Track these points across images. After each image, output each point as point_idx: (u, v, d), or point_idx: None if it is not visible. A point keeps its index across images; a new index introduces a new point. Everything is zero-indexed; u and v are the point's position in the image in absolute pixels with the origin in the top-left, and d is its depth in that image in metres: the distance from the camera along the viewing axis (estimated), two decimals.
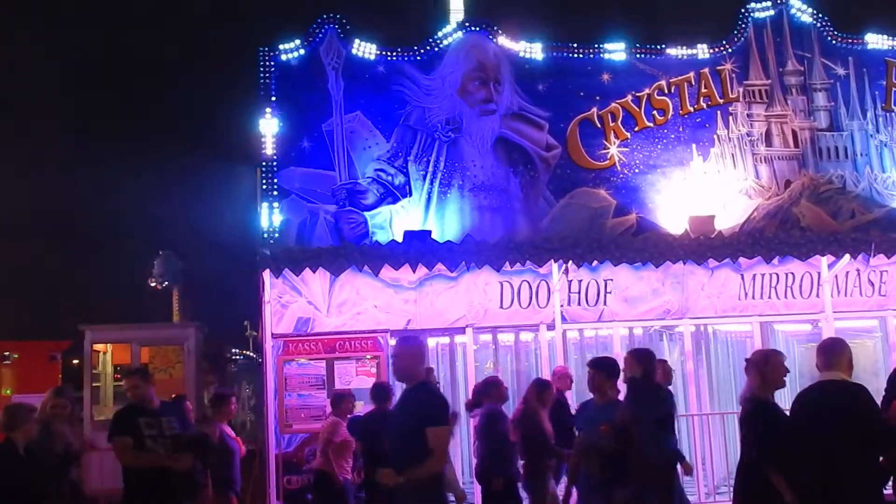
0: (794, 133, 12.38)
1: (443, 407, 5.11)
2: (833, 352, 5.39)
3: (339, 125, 11.48)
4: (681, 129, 12.20)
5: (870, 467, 5.12)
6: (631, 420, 6.22)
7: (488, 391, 8.10)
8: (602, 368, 6.47)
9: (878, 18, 13.61)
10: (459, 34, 11.95)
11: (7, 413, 6.37)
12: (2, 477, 5.99)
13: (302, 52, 11.61)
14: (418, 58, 11.83)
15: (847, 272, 11.14)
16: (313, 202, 11.28)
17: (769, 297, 11.10)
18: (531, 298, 10.62)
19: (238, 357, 27.23)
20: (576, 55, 12.18)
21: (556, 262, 10.27)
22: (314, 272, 9.94)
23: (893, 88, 12.72)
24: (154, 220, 59.17)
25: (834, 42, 12.73)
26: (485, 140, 11.74)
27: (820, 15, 12.73)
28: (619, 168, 11.97)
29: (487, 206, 11.56)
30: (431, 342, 11.18)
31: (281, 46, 11.51)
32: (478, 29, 11.99)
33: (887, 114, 12.67)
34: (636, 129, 12.12)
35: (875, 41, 12.84)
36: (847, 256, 10.76)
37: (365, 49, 11.71)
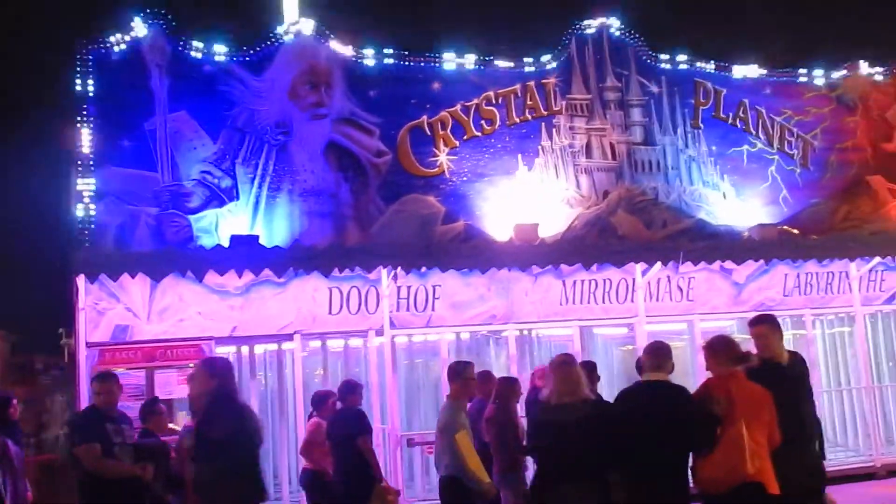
0: (612, 146, 13.00)
1: None
2: (660, 354, 5.56)
3: (163, 125, 11.06)
4: (507, 139, 12.56)
5: (684, 465, 5.33)
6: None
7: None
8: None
9: (688, 41, 14.57)
10: (291, 37, 11.81)
11: None
12: None
13: (123, 46, 11.12)
14: (248, 59, 11.58)
15: (659, 279, 11.80)
16: (134, 204, 10.80)
17: (588, 303, 11.58)
18: (360, 304, 10.61)
19: (53, 367, 25.69)
20: (407, 63, 12.31)
21: (385, 268, 10.31)
22: (133, 277, 9.48)
23: (701, 107, 13.60)
24: None
25: (649, 61, 13.46)
26: (315, 144, 11.64)
27: (637, 35, 13.44)
28: (448, 175, 12.18)
29: (317, 212, 11.46)
30: (259, 349, 10.96)
31: (101, 39, 10.96)
32: (310, 32, 11.88)
33: (695, 131, 13.52)
34: (465, 137, 12.37)
35: (685, 62, 13.68)
36: (659, 264, 11.37)
37: (192, 47, 11.35)
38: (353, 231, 11.49)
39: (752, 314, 12.02)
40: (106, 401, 6.33)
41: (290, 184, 11.42)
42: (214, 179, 11.14)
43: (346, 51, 12.03)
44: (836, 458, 12.51)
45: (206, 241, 10.67)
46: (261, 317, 10.18)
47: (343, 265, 10.07)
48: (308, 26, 11.86)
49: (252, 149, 11.39)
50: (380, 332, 10.64)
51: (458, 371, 7.06)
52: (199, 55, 11.40)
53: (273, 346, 11.01)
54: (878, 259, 12.59)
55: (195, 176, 11.08)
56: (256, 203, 11.24)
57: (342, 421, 7.89)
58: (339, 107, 11.85)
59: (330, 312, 10.47)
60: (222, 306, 10.01)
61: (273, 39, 11.71)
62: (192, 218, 10.94)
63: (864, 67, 14.73)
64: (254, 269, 9.83)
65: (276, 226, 11.23)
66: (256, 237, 10.51)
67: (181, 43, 11.31)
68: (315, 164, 11.59)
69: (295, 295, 10.31)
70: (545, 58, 12.95)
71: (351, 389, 8.06)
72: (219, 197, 11.13)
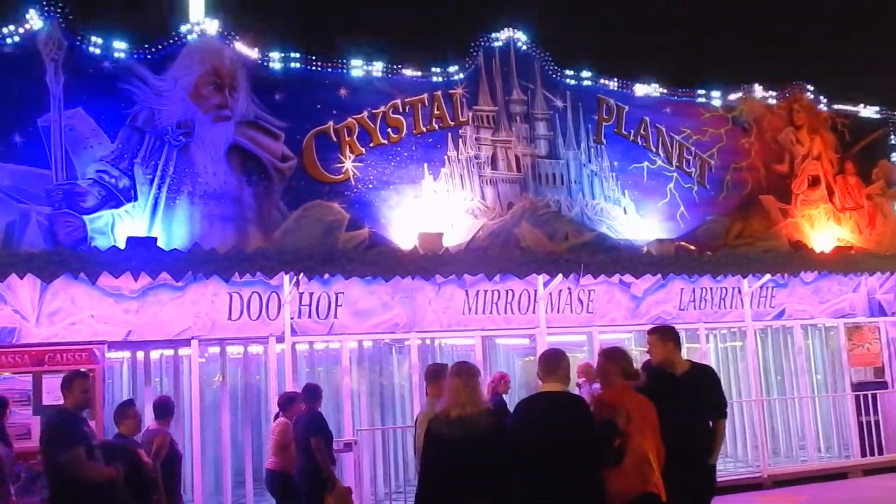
0: (517, 158, 13.15)
1: None
2: (550, 360, 5.49)
3: (58, 121, 10.65)
4: (414, 148, 12.56)
5: (588, 476, 5.19)
6: None
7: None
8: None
9: (593, 58, 14.88)
10: (195, 36, 11.53)
11: None
12: None
13: (17, 39, 10.69)
14: (150, 57, 11.26)
15: (560, 290, 11.98)
16: (24, 202, 10.36)
17: (491, 313, 11.68)
18: (261, 310, 10.44)
19: None
20: (314, 68, 12.17)
21: (287, 274, 10.17)
22: (21, 278, 9.10)
23: (604, 123, 13.90)
24: None
25: (554, 76, 13.69)
26: (218, 147, 11.39)
27: (543, 50, 13.64)
28: (353, 182, 12.09)
29: (218, 215, 11.20)
30: (155, 354, 10.66)
31: None
32: (214, 33, 11.64)
33: (598, 146, 13.80)
34: (371, 145, 12.31)
35: (589, 78, 13.96)
36: (560, 276, 11.55)
37: (91, 43, 10.96)
38: (256, 236, 11.28)
39: (650, 327, 12.41)
40: (83, 401, 6.28)
41: (191, 186, 11.14)
42: (111, 179, 10.77)
43: (252, 53, 11.83)
44: (725, 469, 12.91)
45: (102, 243, 10.31)
46: (157, 321, 9.91)
47: (244, 270, 9.89)
48: (213, 26, 11.61)
49: (152, 149, 11.07)
50: (281, 339, 10.48)
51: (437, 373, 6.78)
52: (98, 51, 11.03)
53: (169, 352, 10.73)
54: (768, 276, 13.10)
55: (91, 175, 10.70)
56: (155, 205, 10.93)
57: (304, 424, 8.32)
58: (243, 109, 11.63)
59: (230, 318, 10.27)
60: (117, 310, 9.70)
61: (176, 38, 11.41)
62: (86, 218, 10.55)
63: (758, 91, 15.31)
64: (151, 272, 9.56)
65: (175, 228, 10.93)
66: (154, 239, 10.21)
67: (79, 38, 10.92)
68: (217, 166, 11.35)
69: (193, 299, 10.07)
70: (453, 68, 13.02)
71: (311, 393, 8.54)
72: (115, 197, 10.77)
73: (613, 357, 5.68)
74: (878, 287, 14.58)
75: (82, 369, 7.75)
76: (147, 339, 10.00)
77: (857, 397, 13.96)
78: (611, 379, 5.63)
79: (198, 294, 10.11)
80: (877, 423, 13.93)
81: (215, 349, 10.91)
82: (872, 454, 13.76)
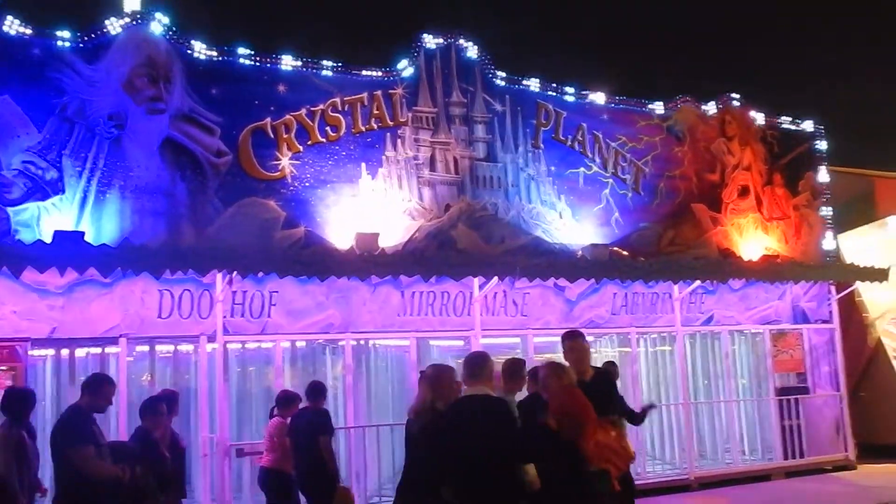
0: (456, 160, 13.16)
1: None
2: (475, 365, 5.55)
3: None
4: (352, 147, 12.45)
5: (509, 477, 5.30)
6: None
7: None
8: None
9: (533, 63, 14.98)
10: (130, 26, 11.23)
11: None
12: None
13: None
14: (82, 45, 10.89)
15: (495, 293, 12.05)
16: None
17: (426, 314, 11.69)
18: (193, 308, 10.26)
19: None
20: (253, 63, 11.95)
21: (221, 272, 10.00)
22: None
23: (542, 128, 13.99)
24: None
25: (494, 80, 13.72)
26: (151, 140, 11.11)
27: (484, 53, 13.67)
28: (290, 180, 11.93)
29: (150, 210, 10.91)
30: (80, 352, 10.37)
31: None
32: (151, 23, 11.34)
33: (536, 150, 13.89)
34: (309, 142, 12.17)
35: (529, 83, 14.04)
36: (496, 278, 11.61)
37: (19, 28, 10.57)
38: (188, 232, 11.04)
39: (583, 331, 12.55)
40: (99, 405, 6.40)
41: (122, 179, 10.84)
42: (38, 171, 10.41)
43: (189, 45, 11.57)
44: (654, 471, 13.16)
45: (26, 236, 9.97)
46: (84, 318, 9.68)
47: (176, 267, 9.69)
48: (149, 17, 11.32)
49: (82, 140, 10.73)
50: (212, 338, 10.32)
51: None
52: (26, 37, 10.66)
53: (96, 350, 10.44)
54: (698, 282, 13.37)
55: (17, 166, 10.30)
56: (84, 198, 10.61)
57: (307, 421, 8.37)
58: (178, 103, 11.36)
59: (160, 316, 10.07)
60: (41, 306, 9.44)
61: (110, 27, 11.09)
62: (10, 210, 10.17)
63: (692, 101, 15.60)
64: (78, 267, 9.31)
65: (104, 223, 10.62)
66: (82, 234, 9.94)
67: (6, 23, 10.54)
68: (150, 160, 11.06)
69: (122, 296, 9.86)
70: (393, 68, 12.95)
71: (315, 391, 8.66)
72: (42, 189, 10.41)
73: (557, 371, 5.88)
74: (803, 295, 15.03)
75: (105, 373, 7.69)
76: (73, 337, 9.75)
77: (781, 402, 14.37)
78: (557, 381, 5.82)
79: (127, 291, 9.90)
80: (798, 426, 14.37)
81: (144, 348, 10.69)
82: (794, 457, 14.19)
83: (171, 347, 10.93)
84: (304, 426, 8.41)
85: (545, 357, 12.96)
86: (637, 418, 9.20)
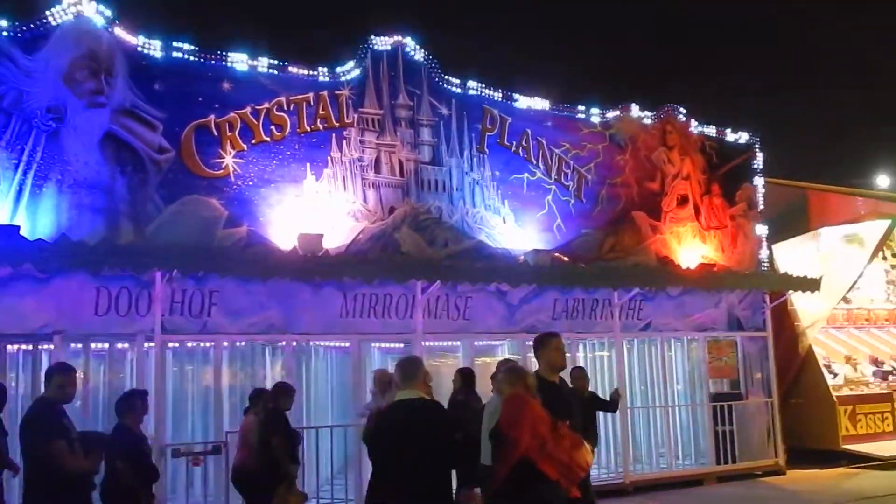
0: (401, 163, 13.16)
1: None
2: (408, 369, 5.59)
3: None
4: (297, 147, 12.37)
5: (442, 480, 5.38)
6: None
7: None
8: None
9: (479, 68, 15.06)
10: (70, 17, 10.99)
11: None
12: None
13: None
14: (20, 35, 10.62)
15: (438, 296, 12.08)
16: None
17: (368, 316, 11.65)
18: (130, 306, 10.09)
19: None
20: (198, 59, 11.79)
21: (160, 270, 9.85)
22: None
23: (487, 133, 14.07)
24: None
25: (440, 83, 13.76)
26: (91, 134, 10.89)
27: (431, 57, 13.71)
28: (233, 179, 11.80)
29: (89, 205, 10.70)
30: (12, 349, 10.11)
31: None
32: (92, 15, 11.11)
33: (480, 155, 13.96)
34: (253, 141, 12.06)
35: (475, 88, 14.12)
36: (438, 282, 11.64)
37: None
38: (128, 229, 10.84)
39: (523, 335, 12.68)
40: (66, 395, 6.26)
41: (60, 173, 10.61)
42: None
43: (132, 39, 11.36)
44: (590, 475, 13.29)
45: None
46: (16, 314, 9.46)
47: (114, 264, 9.53)
48: (91, 8, 11.07)
49: (18, 133, 10.47)
50: (150, 337, 10.15)
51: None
52: None
53: (29, 347, 10.20)
54: (637, 289, 13.58)
55: None
56: (20, 191, 10.34)
57: (263, 422, 8.90)
58: (120, 97, 11.15)
59: (96, 313, 9.88)
60: None
61: (51, 18, 10.84)
62: None
63: (635, 111, 15.85)
64: (12, 262, 9.10)
65: (40, 217, 10.37)
66: (17, 228, 9.71)
67: None
68: (90, 154, 10.84)
69: (57, 292, 9.64)
70: (340, 69, 12.90)
71: (278, 392, 9.13)
72: None
73: (510, 377, 5.81)
74: (738, 303, 15.36)
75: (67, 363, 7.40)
76: (4, 333, 9.52)
77: (715, 408, 14.66)
78: (509, 387, 5.75)
79: (62, 286, 9.68)
80: (731, 432, 14.68)
81: (78, 345, 10.45)
82: (726, 462, 14.50)
83: (106, 345, 10.72)
84: (262, 426, 8.93)
85: (484, 361, 13.09)
86: (610, 406, 10.29)
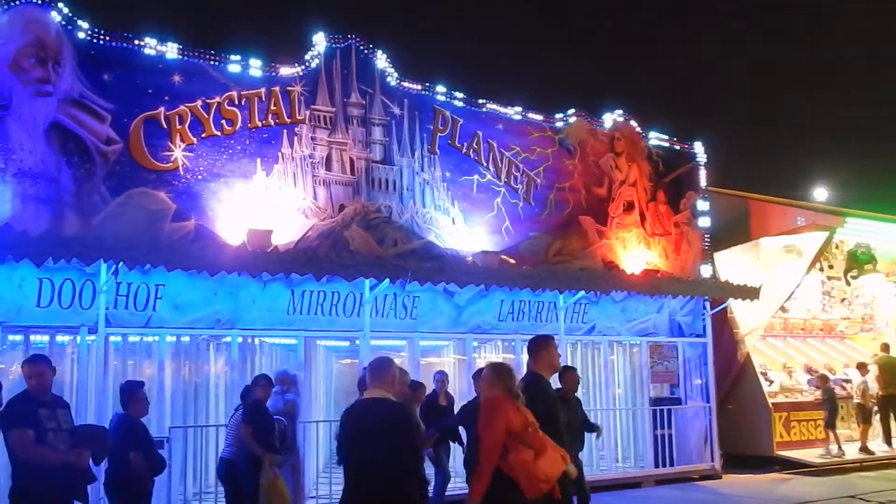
0: (352, 161, 13.18)
1: None
2: (378, 369, 5.67)
3: None
4: (247, 142, 12.31)
5: (405, 479, 5.38)
6: None
7: None
8: None
9: (433, 69, 15.12)
10: (16, 4, 10.81)
11: None
12: None
13: None
14: None
15: (385, 295, 12.12)
16: None
17: (316, 314, 11.64)
18: (74, 298, 9.95)
19: None
20: (147, 50, 11.67)
21: (106, 262, 9.74)
22: None
23: (438, 133, 14.15)
24: None
25: (393, 83, 13.79)
26: (37, 123, 10.72)
27: (385, 56, 13.73)
28: (182, 172, 11.71)
29: (33, 196, 10.53)
30: None
31: None
32: (39, 2, 10.96)
33: (431, 155, 14.04)
34: (203, 135, 11.97)
35: (427, 89, 14.18)
36: (387, 281, 11.68)
37: None
38: (73, 220, 10.68)
39: (470, 336, 12.78)
40: (38, 384, 6.20)
41: (4, 162, 10.42)
42: None
43: (79, 28, 11.21)
44: (582, 473, 13.45)
45: None
46: None
47: (59, 256, 9.38)
48: None
49: None
50: (93, 330, 10.03)
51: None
52: None
53: None
54: (582, 293, 13.78)
55: None
56: None
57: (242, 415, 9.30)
58: (67, 86, 10.99)
59: (38, 305, 9.73)
60: None
61: None
62: None
63: (585, 117, 16.07)
64: None
65: None
66: None
67: None
68: (35, 144, 10.67)
69: None
70: (293, 67, 12.87)
71: (257, 383, 9.53)
72: None
73: (492, 379, 5.83)
74: (679, 309, 15.67)
75: (40, 354, 7.43)
76: None
77: (654, 412, 14.93)
78: (490, 388, 5.80)
79: (3, 277, 9.52)
80: (670, 436, 14.98)
81: (18, 337, 10.27)
82: (665, 465, 14.78)
83: (47, 338, 10.55)
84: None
85: (430, 361, 13.17)
86: (590, 430, 10.41)
